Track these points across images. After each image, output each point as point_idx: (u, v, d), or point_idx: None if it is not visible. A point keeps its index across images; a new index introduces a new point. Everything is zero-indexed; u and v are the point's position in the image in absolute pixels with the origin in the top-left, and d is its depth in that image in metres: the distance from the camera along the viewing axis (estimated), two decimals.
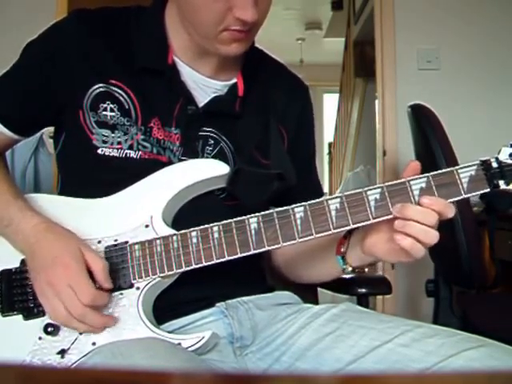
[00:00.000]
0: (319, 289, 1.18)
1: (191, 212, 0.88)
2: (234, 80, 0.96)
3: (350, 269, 0.92)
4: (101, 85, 0.89)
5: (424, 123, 1.76)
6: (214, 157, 0.93)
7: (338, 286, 1.15)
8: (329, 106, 7.27)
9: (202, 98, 0.94)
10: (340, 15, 5.14)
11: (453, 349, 0.75)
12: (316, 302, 1.12)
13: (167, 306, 0.86)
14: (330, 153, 6.45)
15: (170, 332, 0.84)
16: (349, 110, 5.13)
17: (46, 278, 0.79)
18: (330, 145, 6.49)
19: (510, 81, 2.75)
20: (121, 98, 0.89)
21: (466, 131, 2.62)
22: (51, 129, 0.99)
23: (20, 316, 0.84)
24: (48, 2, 2.42)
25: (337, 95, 5.84)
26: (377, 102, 2.84)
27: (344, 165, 5.23)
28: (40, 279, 0.80)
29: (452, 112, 2.51)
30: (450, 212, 0.77)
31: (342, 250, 0.92)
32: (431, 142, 1.69)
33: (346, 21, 4.89)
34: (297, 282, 1.05)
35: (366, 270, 0.94)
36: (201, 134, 0.93)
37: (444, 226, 1.72)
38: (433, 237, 0.77)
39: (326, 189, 6.53)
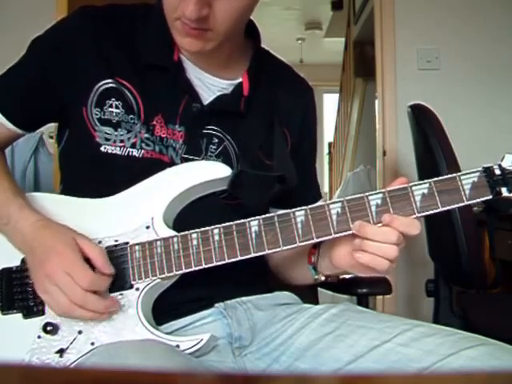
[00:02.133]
0: (319, 289, 1.18)
1: (192, 211, 0.88)
2: (240, 79, 0.96)
3: (323, 278, 0.93)
4: (106, 81, 0.90)
5: (424, 123, 1.76)
6: (218, 156, 0.93)
7: (338, 285, 1.16)
8: (329, 106, 7.27)
9: (207, 96, 0.94)
10: (340, 15, 5.15)
11: (452, 348, 0.75)
12: (316, 302, 1.13)
13: (166, 307, 0.86)
14: (329, 153, 6.45)
15: (169, 333, 0.84)
16: (349, 110, 5.13)
17: (44, 271, 0.79)
18: (329, 145, 6.49)
19: (510, 81, 2.74)
20: (125, 95, 0.89)
21: (466, 131, 2.62)
22: (51, 129, 0.99)
23: (20, 314, 0.84)
24: (48, 2, 2.42)
25: (337, 95, 5.84)
26: (377, 101, 2.84)
27: (344, 165, 5.23)
28: (38, 274, 0.80)
29: (452, 112, 2.51)
30: (414, 229, 0.77)
31: (313, 259, 0.93)
32: (431, 142, 1.69)
33: (346, 21, 4.89)
34: (286, 283, 1.06)
35: (341, 277, 0.94)
36: (205, 132, 0.93)
37: (444, 226, 1.71)
38: (390, 251, 0.77)
39: (326, 189, 6.53)
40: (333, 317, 0.88)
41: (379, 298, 2.67)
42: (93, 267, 0.80)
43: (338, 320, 0.87)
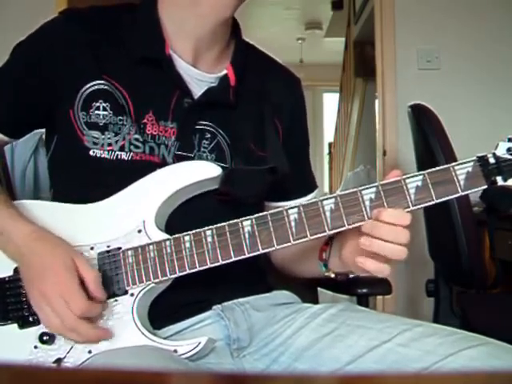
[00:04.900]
0: (319, 289, 1.18)
1: (184, 212, 0.88)
2: (225, 71, 0.96)
3: (333, 275, 0.92)
4: (94, 82, 0.89)
5: (424, 123, 1.76)
6: (211, 151, 0.92)
7: (338, 286, 1.15)
8: (329, 106, 7.27)
9: (196, 91, 0.93)
10: (340, 15, 5.15)
11: (452, 348, 0.74)
12: (316, 302, 1.12)
13: (164, 311, 0.86)
14: (330, 153, 6.45)
15: (166, 337, 0.84)
16: (349, 110, 5.13)
17: (39, 288, 0.78)
18: (329, 145, 6.49)
19: (510, 81, 2.74)
20: (113, 95, 0.89)
21: (466, 131, 2.61)
22: None
23: (15, 325, 0.83)
24: (48, 2, 2.42)
25: (337, 95, 5.84)
26: (377, 101, 2.84)
27: (344, 165, 5.23)
28: (33, 289, 0.79)
29: (452, 112, 2.51)
30: (404, 220, 0.76)
31: (324, 256, 0.92)
32: (431, 142, 1.69)
33: (346, 21, 4.89)
34: (291, 276, 1.06)
35: (351, 276, 0.94)
36: (197, 127, 0.92)
37: (444, 226, 1.71)
38: (400, 253, 0.77)
39: (326, 189, 6.54)
40: (332, 317, 0.88)
41: (379, 298, 2.67)
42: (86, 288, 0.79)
43: (337, 320, 0.87)
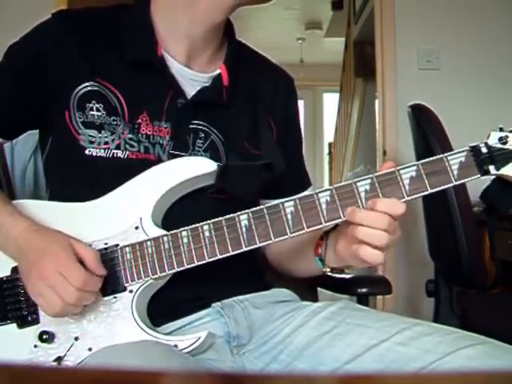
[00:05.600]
0: (319, 288, 1.18)
1: (181, 208, 0.88)
2: (218, 71, 0.97)
3: (329, 270, 0.92)
4: (86, 84, 0.89)
5: (424, 123, 1.76)
6: (205, 150, 0.93)
7: (338, 285, 1.15)
8: (329, 106, 7.27)
9: (189, 92, 0.94)
10: (340, 15, 5.14)
11: (450, 347, 0.74)
12: (315, 301, 1.12)
13: (164, 309, 0.86)
14: (330, 153, 6.45)
15: (166, 334, 0.84)
16: (349, 110, 5.13)
17: (37, 273, 0.78)
18: (329, 145, 6.49)
19: (510, 81, 2.74)
20: (107, 96, 0.89)
21: (466, 131, 2.60)
22: None
23: (14, 325, 0.84)
24: (47, 2, 2.42)
25: (337, 95, 5.84)
26: (377, 101, 2.84)
27: (344, 165, 5.23)
28: (31, 277, 0.79)
29: (452, 112, 2.51)
30: (398, 209, 0.76)
31: (320, 251, 0.92)
32: (431, 142, 1.69)
33: (346, 21, 4.89)
34: (288, 275, 1.06)
35: (346, 271, 0.94)
36: (191, 127, 0.93)
37: (444, 226, 1.71)
38: (380, 238, 0.76)
39: None
40: (331, 315, 0.88)
41: (379, 298, 2.67)
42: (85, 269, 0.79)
43: (336, 318, 0.87)
